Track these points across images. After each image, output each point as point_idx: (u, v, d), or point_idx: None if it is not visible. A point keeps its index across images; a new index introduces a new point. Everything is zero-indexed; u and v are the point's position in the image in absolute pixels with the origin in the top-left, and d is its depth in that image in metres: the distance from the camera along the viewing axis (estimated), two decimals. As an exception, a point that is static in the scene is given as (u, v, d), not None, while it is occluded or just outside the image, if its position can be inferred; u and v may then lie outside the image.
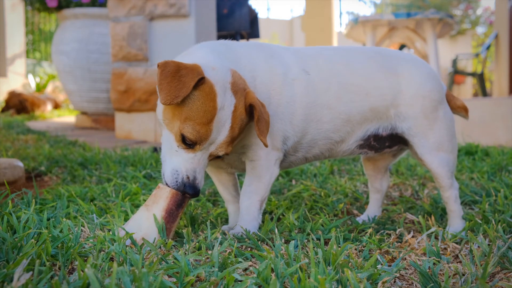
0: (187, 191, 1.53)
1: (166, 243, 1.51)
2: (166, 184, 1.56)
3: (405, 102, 1.79)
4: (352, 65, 1.80)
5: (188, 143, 1.50)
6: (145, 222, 1.57)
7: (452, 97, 1.92)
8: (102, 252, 1.42)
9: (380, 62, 1.82)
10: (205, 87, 1.47)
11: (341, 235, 1.63)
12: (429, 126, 1.80)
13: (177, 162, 1.53)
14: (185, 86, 1.42)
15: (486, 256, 1.43)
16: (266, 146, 1.54)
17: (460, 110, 1.95)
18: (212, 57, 1.60)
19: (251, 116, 1.57)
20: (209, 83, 1.48)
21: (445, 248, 1.63)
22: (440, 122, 1.81)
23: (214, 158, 1.59)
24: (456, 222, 1.85)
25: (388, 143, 1.87)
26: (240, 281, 1.22)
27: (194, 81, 1.43)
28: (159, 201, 1.57)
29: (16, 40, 11.69)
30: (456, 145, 1.87)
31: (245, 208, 1.73)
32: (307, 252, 1.51)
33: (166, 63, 1.47)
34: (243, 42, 1.79)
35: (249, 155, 1.73)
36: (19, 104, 8.70)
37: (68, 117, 8.69)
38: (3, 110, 8.76)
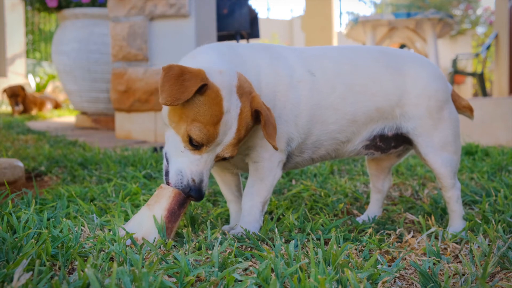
0: (192, 194, 1.53)
1: (166, 243, 1.51)
2: (168, 183, 1.57)
3: (410, 102, 1.78)
4: (357, 66, 1.79)
5: (195, 145, 1.51)
6: (146, 221, 1.57)
7: (457, 97, 1.92)
8: (102, 252, 1.42)
9: (385, 62, 1.81)
10: (210, 92, 1.48)
11: (341, 235, 1.63)
12: (434, 126, 1.79)
13: (183, 163, 1.54)
14: (187, 90, 1.43)
15: (486, 256, 1.43)
16: (276, 149, 1.55)
17: (466, 110, 1.94)
18: (218, 60, 1.60)
19: (257, 119, 1.58)
20: (214, 88, 1.48)
21: (445, 248, 1.63)
22: (445, 122, 1.80)
23: (220, 160, 1.60)
24: (456, 223, 1.85)
25: (394, 143, 1.87)
26: (240, 281, 1.22)
27: (197, 86, 1.44)
28: (161, 201, 1.57)
29: (16, 40, 11.71)
30: (460, 146, 1.86)
31: (247, 209, 1.73)
32: (307, 252, 1.50)
33: (170, 66, 1.48)
34: (247, 44, 1.79)
35: (253, 156, 1.73)
36: (14, 94, 8.68)
37: (68, 117, 8.70)
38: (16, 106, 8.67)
